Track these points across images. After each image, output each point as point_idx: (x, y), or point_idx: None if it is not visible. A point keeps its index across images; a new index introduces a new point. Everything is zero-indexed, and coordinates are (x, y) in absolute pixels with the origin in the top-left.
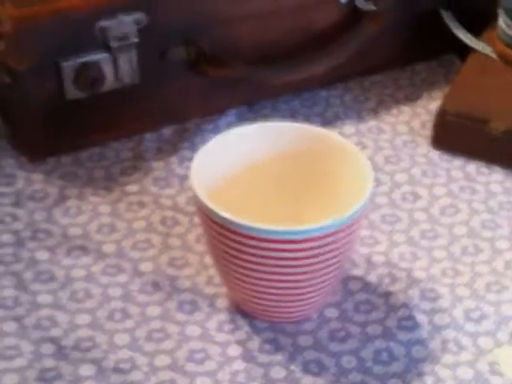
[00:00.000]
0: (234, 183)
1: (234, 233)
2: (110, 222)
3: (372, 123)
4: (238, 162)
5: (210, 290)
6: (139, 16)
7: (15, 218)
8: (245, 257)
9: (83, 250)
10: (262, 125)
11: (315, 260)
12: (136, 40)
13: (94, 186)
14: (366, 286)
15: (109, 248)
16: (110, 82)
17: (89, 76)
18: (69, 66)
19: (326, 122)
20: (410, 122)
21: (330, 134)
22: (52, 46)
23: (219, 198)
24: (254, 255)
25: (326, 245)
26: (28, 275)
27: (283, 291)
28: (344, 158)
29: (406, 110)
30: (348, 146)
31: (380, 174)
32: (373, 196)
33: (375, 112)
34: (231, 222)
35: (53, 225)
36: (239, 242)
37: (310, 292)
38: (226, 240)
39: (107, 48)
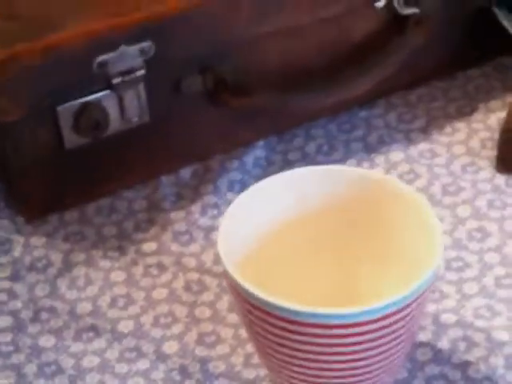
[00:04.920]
0: (270, 243)
1: (278, 318)
2: (125, 293)
3: (423, 146)
4: (271, 219)
5: (249, 374)
6: (146, 45)
7: (13, 295)
8: (288, 343)
9: (95, 330)
10: (292, 174)
11: (369, 345)
12: (143, 73)
13: (104, 247)
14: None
15: (125, 326)
16: (115, 123)
17: (90, 119)
18: (66, 109)
19: (369, 147)
20: (467, 141)
21: (385, 179)
22: (44, 89)
23: (253, 263)
24: (299, 342)
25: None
26: (29, 369)
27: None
28: (404, 208)
29: (461, 126)
30: (408, 194)
31: (439, 209)
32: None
33: (425, 132)
34: (273, 306)
35: (57, 300)
36: (283, 329)
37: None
38: (267, 325)
39: (109, 85)
